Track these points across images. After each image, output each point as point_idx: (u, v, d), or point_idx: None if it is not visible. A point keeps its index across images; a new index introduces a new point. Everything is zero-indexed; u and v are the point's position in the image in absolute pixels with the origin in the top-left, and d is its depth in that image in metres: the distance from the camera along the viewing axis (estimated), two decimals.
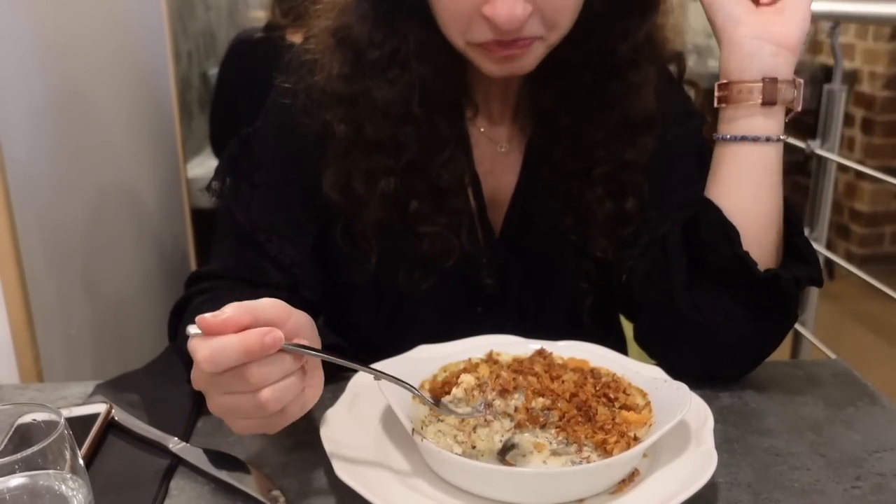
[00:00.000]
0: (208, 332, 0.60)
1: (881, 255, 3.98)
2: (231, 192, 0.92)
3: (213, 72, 2.40)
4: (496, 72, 0.82)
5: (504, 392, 0.72)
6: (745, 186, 0.80)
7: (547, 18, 0.78)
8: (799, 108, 0.81)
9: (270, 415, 0.63)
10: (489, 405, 0.71)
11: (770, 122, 0.80)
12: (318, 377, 0.67)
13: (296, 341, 0.64)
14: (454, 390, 0.72)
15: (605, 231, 0.90)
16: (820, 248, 1.90)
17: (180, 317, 0.88)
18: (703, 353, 0.83)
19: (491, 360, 0.80)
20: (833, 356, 1.88)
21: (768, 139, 0.80)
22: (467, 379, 0.72)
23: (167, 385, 0.86)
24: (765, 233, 0.81)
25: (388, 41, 0.85)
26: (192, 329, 0.61)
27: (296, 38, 0.91)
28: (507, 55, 0.79)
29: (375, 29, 0.85)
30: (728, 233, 0.79)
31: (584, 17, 0.82)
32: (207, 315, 0.60)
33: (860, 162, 3.76)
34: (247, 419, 0.64)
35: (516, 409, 0.71)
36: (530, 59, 0.81)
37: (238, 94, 1.92)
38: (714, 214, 0.80)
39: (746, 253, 0.79)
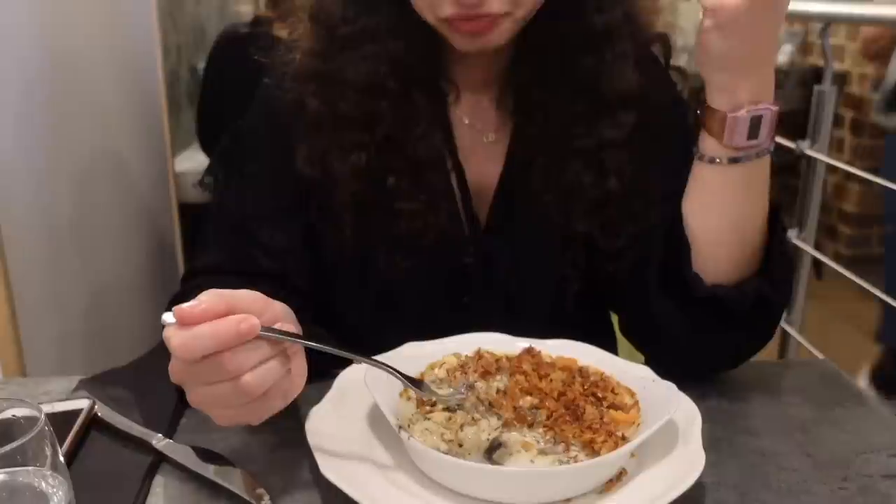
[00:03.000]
0: (185, 323, 0.59)
1: (869, 256, 3.99)
2: (223, 184, 0.93)
3: (202, 65, 2.38)
4: (466, 46, 0.82)
5: (486, 374, 0.72)
6: (706, 202, 0.80)
7: None
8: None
9: (252, 401, 0.62)
10: (471, 387, 0.71)
11: (712, 143, 0.77)
12: (300, 365, 0.66)
13: (274, 327, 0.63)
14: (436, 370, 0.72)
15: (588, 210, 0.90)
16: (808, 249, 1.91)
17: None
18: (678, 353, 0.84)
19: (479, 357, 0.80)
20: (820, 356, 1.90)
21: (712, 161, 0.77)
22: (450, 360, 0.72)
23: (153, 381, 0.84)
24: (723, 249, 0.80)
25: (360, 17, 0.86)
26: (168, 318, 0.60)
27: (283, 31, 0.91)
28: (472, 30, 0.80)
29: (349, 5, 0.86)
30: (681, 249, 0.80)
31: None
32: (184, 305, 0.59)
33: (849, 163, 3.77)
34: (228, 408, 0.63)
35: (498, 391, 0.71)
36: (497, 35, 0.81)
37: (225, 88, 1.91)
38: (674, 228, 0.81)
39: (691, 272, 0.79)
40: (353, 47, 0.86)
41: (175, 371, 0.63)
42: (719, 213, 0.79)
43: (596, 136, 0.88)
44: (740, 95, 0.73)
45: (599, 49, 0.87)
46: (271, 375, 0.62)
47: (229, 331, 0.59)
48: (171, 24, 2.14)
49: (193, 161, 2.55)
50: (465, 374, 0.72)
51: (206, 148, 2.29)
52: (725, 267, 0.80)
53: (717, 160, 0.77)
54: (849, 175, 3.80)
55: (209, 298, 0.61)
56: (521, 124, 0.92)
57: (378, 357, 0.74)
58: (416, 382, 0.71)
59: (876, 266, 3.92)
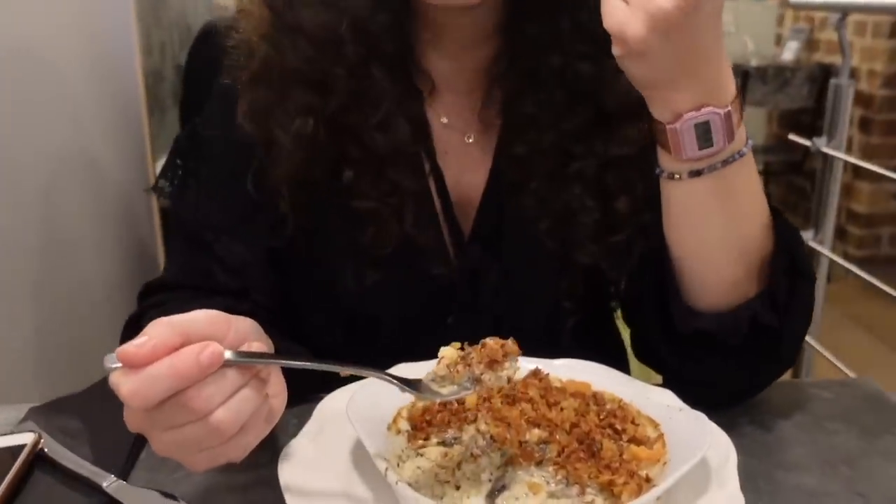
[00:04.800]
0: (133, 365, 0.51)
1: (879, 256, 3.95)
2: (179, 190, 0.83)
3: None
4: None
5: (493, 363, 0.61)
6: (679, 223, 0.72)
7: None
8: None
9: (229, 439, 0.54)
10: (477, 380, 0.61)
11: (667, 158, 0.69)
12: (278, 384, 0.59)
13: (242, 349, 0.55)
14: (435, 367, 0.62)
15: (591, 237, 0.81)
16: (825, 251, 1.82)
17: (131, 336, 0.78)
18: (684, 385, 0.74)
19: (483, 346, 0.69)
20: (832, 359, 1.82)
21: (671, 177, 0.69)
22: (449, 353, 0.62)
23: (110, 409, 0.75)
24: (713, 269, 0.72)
25: None
26: (110, 362, 0.51)
27: None
28: None
29: None
30: (665, 279, 0.74)
31: None
32: (129, 346, 0.51)
33: None
34: (202, 451, 0.55)
35: (509, 380, 0.61)
36: None
37: (205, 86, 1.83)
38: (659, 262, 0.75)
39: (676, 305, 0.74)
40: None
41: (132, 420, 0.55)
42: (696, 232, 0.71)
43: (597, 155, 0.80)
44: (679, 105, 0.65)
45: (601, 54, 0.74)
46: (247, 406, 0.54)
47: (189, 365, 0.51)
48: (153, 21, 2.06)
49: None
50: (469, 366, 0.61)
51: None
52: (720, 289, 0.72)
53: (677, 176, 0.69)
54: (857, 174, 3.72)
55: (158, 331, 0.53)
56: (507, 129, 0.83)
57: (365, 379, 0.65)
58: (411, 384, 0.61)
59: (887, 266, 3.87)
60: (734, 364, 0.73)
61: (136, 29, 1.81)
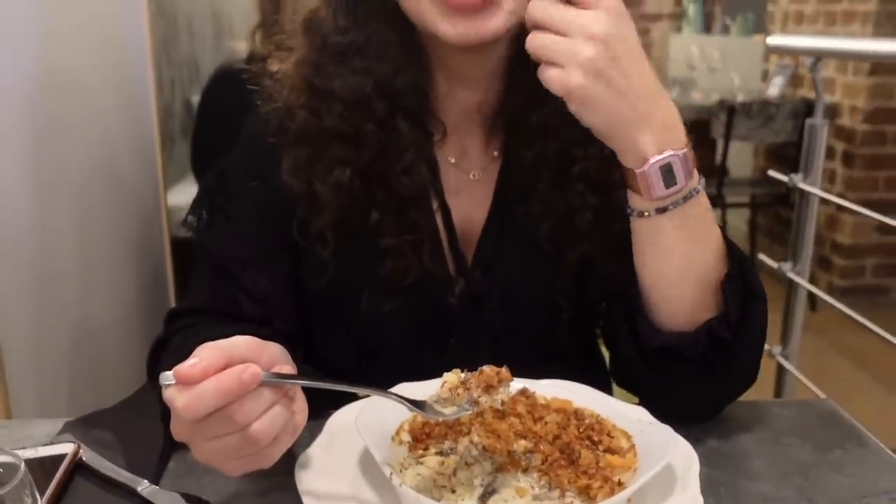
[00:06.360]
0: (186, 382, 0.59)
1: (863, 286, 4.00)
2: (206, 225, 0.91)
3: (196, 99, 2.38)
4: (459, 32, 0.78)
5: (489, 388, 0.70)
6: (648, 253, 0.81)
7: None
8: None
9: (262, 448, 0.63)
10: (475, 402, 0.69)
11: (637, 199, 0.78)
12: (301, 402, 0.67)
13: (273, 370, 0.64)
14: (438, 390, 0.70)
15: (589, 229, 0.88)
16: (802, 282, 1.90)
17: (159, 356, 0.86)
18: (654, 398, 0.83)
19: (480, 373, 0.78)
20: (816, 389, 1.89)
21: (641, 214, 0.79)
22: (451, 378, 0.70)
23: (140, 423, 0.83)
24: (676, 294, 0.81)
25: (352, 30, 0.85)
26: (167, 378, 0.59)
27: (276, 66, 0.92)
28: (460, 4, 0.76)
29: (341, 16, 0.86)
30: (629, 302, 0.82)
31: None
32: (183, 366, 0.60)
33: (841, 194, 3.80)
34: (239, 459, 0.64)
35: (503, 403, 0.69)
36: (493, 20, 0.78)
37: (219, 123, 1.92)
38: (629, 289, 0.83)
39: (642, 321, 0.82)
40: (343, 60, 0.85)
41: (179, 431, 0.63)
42: (663, 261, 0.80)
43: (597, 156, 0.87)
44: (643, 150, 0.74)
45: None
46: (278, 420, 0.63)
47: (233, 384, 0.60)
48: (165, 59, 2.15)
49: (186, 195, 2.53)
50: (468, 390, 0.70)
51: (201, 180, 2.29)
52: (684, 311, 0.81)
53: (647, 213, 0.78)
54: (841, 206, 3.81)
55: (208, 354, 0.61)
56: (513, 154, 0.91)
57: (369, 398, 0.73)
58: (418, 405, 0.70)
59: (870, 296, 3.94)
60: (696, 377, 0.81)
61: (152, 66, 1.90)
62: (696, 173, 0.77)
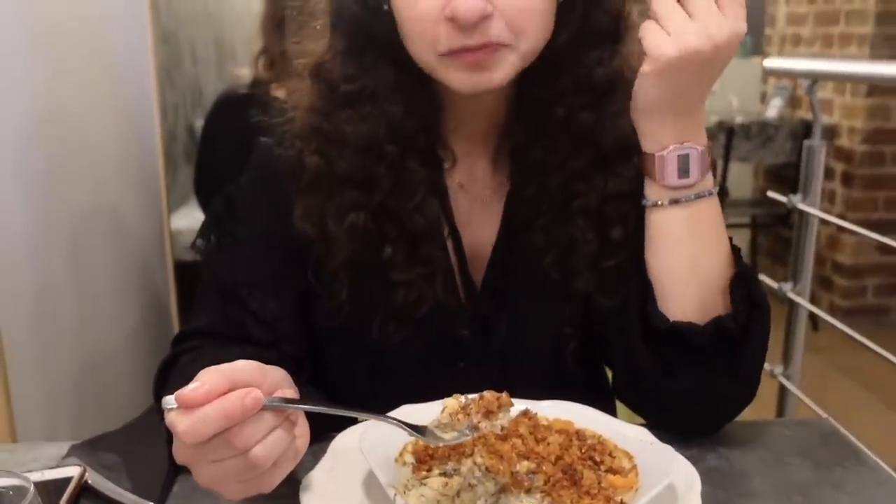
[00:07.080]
0: (188, 406, 0.60)
1: (864, 307, 4.00)
2: (214, 249, 0.92)
3: (199, 124, 2.41)
4: (466, 85, 0.80)
5: (489, 413, 0.70)
6: (659, 245, 0.84)
7: (512, 22, 0.77)
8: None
9: (263, 472, 0.63)
10: (475, 427, 0.70)
11: (652, 187, 0.83)
12: (303, 426, 0.68)
13: (276, 395, 0.64)
14: (439, 416, 0.71)
15: (590, 263, 0.89)
16: (803, 302, 1.91)
17: (166, 377, 0.87)
18: (659, 405, 0.85)
19: (480, 398, 0.78)
20: (818, 409, 1.88)
21: (655, 204, 0.83)
22: (451, 403, 0.71)
23: (145, 446, 0.84)
24: (683, 288, 0.83)
25: (360, 77, 0.86)
26: (169, 402, 0.60)
27: (279, 92, 0.93)
28: (473, 60, 0.78)
29: (349, 64, 0.87)
30: (645, 289, 0.84)
31: (552, 51, 0.82)
32: (185, 390, 0.60)
33: (841, 215, 3.81)
34: (240, 482, 0.64)
35: (502, 429, 0.70)
36: (500, 71, 0.80)
37: (223, 148, 1.93)
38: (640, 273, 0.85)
39: (653, 308, 0.83)
40: (353, 107, 0.86)
41: (181, 454, 0.63)
42: (672, 255, 0.83)
43: (598, 191, 0.88)
44: (667, 137, 0.80)
45: (600, 104, 0.86)
46: (280, 444, 0.63)
47: (235, 408, 0.60)
48: (168, 84, 2.18)
49: (189, 219, 2.55)
50: (468, 415, 0.71)
51: (205, 205, 2.30)
52: (690, 307, 0.82)
53: (660, 203, 0.82)
54: (842, 226, 3.82)
55: (210, 378, 0.61)
56: (517, 184, 0.92)
57: (373, 420, 0.73)
58: (419, 430, 0.70)
59: (872, 316, 3.94)
60: (699, 374, 0.81)
61: (155, 91, 1.92)
62: (710, 176, 0.82)
